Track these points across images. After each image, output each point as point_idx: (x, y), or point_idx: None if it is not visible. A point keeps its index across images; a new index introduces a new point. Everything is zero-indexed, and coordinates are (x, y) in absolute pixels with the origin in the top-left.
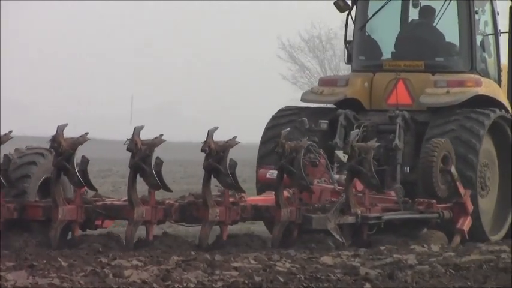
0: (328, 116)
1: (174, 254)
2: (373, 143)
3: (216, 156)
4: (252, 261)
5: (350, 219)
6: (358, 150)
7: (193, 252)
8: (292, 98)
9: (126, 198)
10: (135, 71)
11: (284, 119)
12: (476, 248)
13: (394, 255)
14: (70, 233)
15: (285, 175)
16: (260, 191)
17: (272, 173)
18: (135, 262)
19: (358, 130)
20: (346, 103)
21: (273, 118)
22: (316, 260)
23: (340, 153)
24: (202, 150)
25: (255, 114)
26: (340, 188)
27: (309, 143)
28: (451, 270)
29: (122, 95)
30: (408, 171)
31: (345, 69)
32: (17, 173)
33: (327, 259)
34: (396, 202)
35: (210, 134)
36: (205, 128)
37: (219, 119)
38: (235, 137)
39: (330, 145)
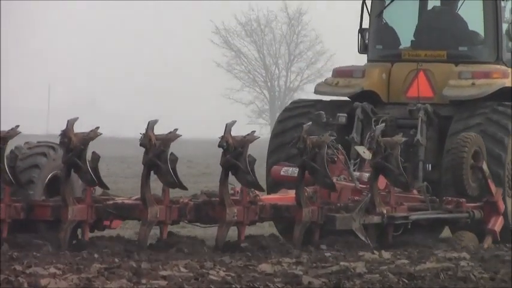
0: (343, 109)
1: (96, 262)
2: (400, 138)
3: (234, 152)
4: (183, 269)
5: (376, 219)
6: (383, 145)
7: (116, 259)
8: (227, 87)
9: (137, 197)
10: (52, 62)
11: (297, 111)
12: (432, 255)
13: (341, 263)
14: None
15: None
16: (271, 188)
17: (287, 170)
18: (52, 270)
19: (383, 124)
20: (362, 95)
21: (285, 110)
22: (254, 268)
23: (360, 149)
24: (219, 146)
25: (185, 106)
26: (362, 186)
27: (332, 138)
28: (404, 280)
29: (38, 87)
30: (430, 169)
31: (285, 55)
32: (22, 175)
33: (265, 267)
34: (423, 201)
35: (228, 128)
36: (126, 121)
37: (143, 111)
38: (253, 132)
39: (346, 140)
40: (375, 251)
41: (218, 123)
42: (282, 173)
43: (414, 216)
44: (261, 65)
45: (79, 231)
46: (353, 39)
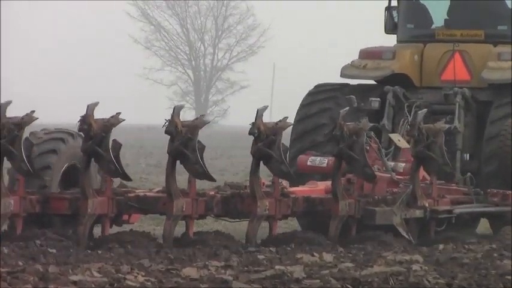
0: (372, 94)
1: None
2: (443, 125)
3: (266, 140)
4: (96, 274)
5: (418, 213)
6: (426, 132)
7: (21, 263)
8: (146, 66)
9: (158, 189)
10: None
11: (322, 96)
12: (380, 257)
13: (276, 267)
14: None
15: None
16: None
17: (314, 160)
18: None
19: (425, 110)
20: (392, 79)
21: (309, 94)
22: (177, 273)
23: (395, 137)
24: (250, 133)
25: (98, 87)
26: (399, 177)
27: (371, 124)
28: (348, 286)
29: None
30: (467, 158)
31: (212, 29)
32: (38, 160)
33: (190, 271)
34: (466, 193)
35: (259, 114)
36: (39, 105)
37: (55, 94)
38: (285, 118)
39: (376, 127)
40: (315, 253)
41: (135, 108)
42: (308, 163)
43: (458, 209)
44: (185, 41)
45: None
46: (289, 11)
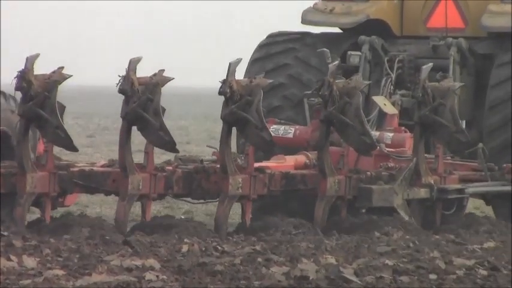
0: (341, 45)
1: None
2: (453, 83)
3: (241, 102)
4: None
5: (423, 192)
6: (432, 93)
7: None
8: None
9: (104, 163)
10: None
11: (278, 48)
12: (102, 262)
13: None
14: None
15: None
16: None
17: (277, 129)
18: None
19: (431, 64)
20: (366, 26)
21: (261, 47)
22: None
23: (379, 100)
24: (221, 93)
25: None
26: (390, 149)
27: (366, 82)
28: None
29: None
30: (464, 126)
31: None
32: None
33: None
34: (476, 169)
35: (232, 69)
36: None
37: None
38: (262, 74)
39: None
40: (12, 257)
41: None
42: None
43: (472, 189)
44: None
45: None
46: None
